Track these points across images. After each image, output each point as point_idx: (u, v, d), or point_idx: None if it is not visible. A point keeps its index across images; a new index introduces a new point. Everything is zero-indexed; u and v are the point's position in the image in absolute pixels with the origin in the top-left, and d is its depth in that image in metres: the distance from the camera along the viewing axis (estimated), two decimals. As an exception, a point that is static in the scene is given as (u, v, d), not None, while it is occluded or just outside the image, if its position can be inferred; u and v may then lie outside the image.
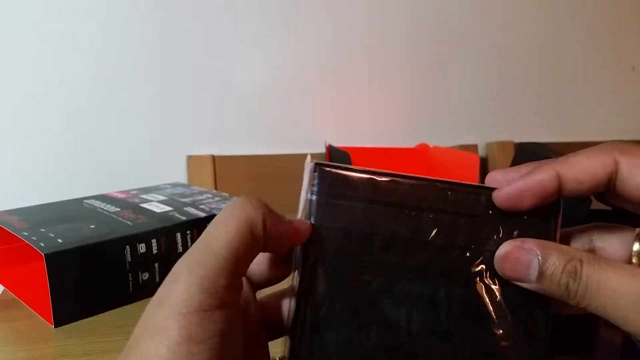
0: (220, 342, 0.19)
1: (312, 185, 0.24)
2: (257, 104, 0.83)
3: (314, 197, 0.24)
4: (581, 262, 0.22)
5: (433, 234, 0.23)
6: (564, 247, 0.23)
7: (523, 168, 0.24)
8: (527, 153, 0.72)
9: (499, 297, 0.23)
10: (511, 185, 0.23)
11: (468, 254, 0.23)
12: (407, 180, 0.24)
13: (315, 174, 0.24)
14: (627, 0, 1.02)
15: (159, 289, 0.20)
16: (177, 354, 0.18)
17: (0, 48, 0.71)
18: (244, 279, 0.23)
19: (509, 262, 0.23)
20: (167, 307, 0.19)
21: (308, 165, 0.24)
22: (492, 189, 0.23)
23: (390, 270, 0.23)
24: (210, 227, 0.21)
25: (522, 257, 0.22)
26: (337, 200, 0.23)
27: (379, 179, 0.23)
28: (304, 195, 0.24)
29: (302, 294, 0.23)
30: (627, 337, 0.38)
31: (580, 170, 0.22)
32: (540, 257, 0.22)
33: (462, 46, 0.92)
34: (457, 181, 0.24)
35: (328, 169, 0.24)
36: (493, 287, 0.23)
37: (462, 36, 0.92)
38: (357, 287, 0.23)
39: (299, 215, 0.24)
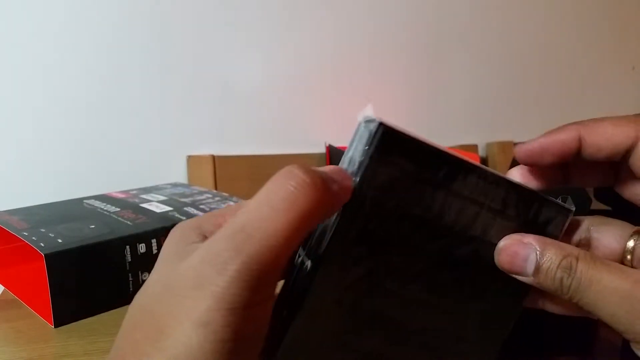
0: (259, 338, 0.19)
1: (368, 145, 0.20)
2: (257, 104, 0.83)
3: (366, 160, 0.20)
4: (577, 258, 0.22)
5: (473, 229, 0.23)
6: (562, 244, 0.23)
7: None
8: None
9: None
10: (533, 141, 0.23)
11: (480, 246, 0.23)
12: (483, 173, 0.22)
13: (376, 135, 0.20)
14: (627, 1, 1.02)
15: (194, 262, 0.18)
16: (222, 352, 0.17)
17: (1, 48, 0.71)
18: None
19: (507, 255, 0.23)
20: (212, 299, 0.17)
21: (366, 120, 0.21)
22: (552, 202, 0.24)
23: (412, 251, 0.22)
24: (265, 211, 0.18)
25: (521, 251, 0.23)
26: (395, 171, 0.21)
27: (453, 162, 0.21)
28: (351, 153, 0.21)
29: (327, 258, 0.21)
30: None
31: (603, 138, 0.23)
32: (538, 252, 0.22)
33: (462, 46, 0.92)
34: (529, 188, 0.24)
35: (394, 132, 0.20)
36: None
37: (462, 36, 0.92)
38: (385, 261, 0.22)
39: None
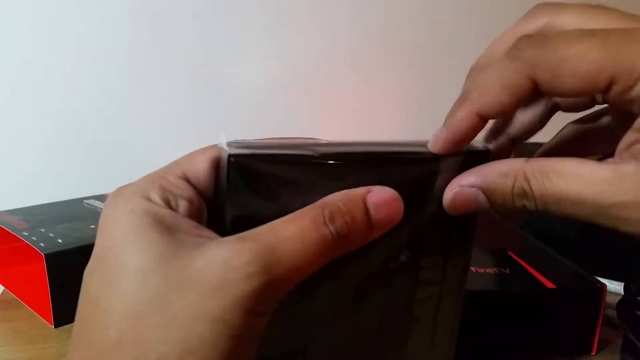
0: (259, 339, 0.20)
1: (227, 178, 0.21)
2: (257, 104, 0.83)
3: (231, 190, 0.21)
4: (527, 179, 0.20)
5: None
6: (503, 165, 0.21)
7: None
8: (527, 153, 0.72)
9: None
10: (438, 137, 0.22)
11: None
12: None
13: (230, 167, 0.21)
14: (627, 0, 1.02)
15: (214, 263, 0.18)
16: (233, 348, 0.18)
17: (0, 48, 0.71)
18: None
19: (458, 207, 0.22)
20: (234, 300, 0.18)
21: (224, 149, 0.21)
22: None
23: None
24: (298, 247, 0.19)
25: (468, 197, 0.22)
26: (261, 187, 0.21)
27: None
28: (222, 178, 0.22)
29: None
30: (626, 336, 0.38)
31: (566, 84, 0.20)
32: (482, 193, 0.21)
33: (461, 45, 0.92)
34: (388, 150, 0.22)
35: (244, 157, 0.21)
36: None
37: (462, 35, 0.92)
38: None
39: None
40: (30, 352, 0.40)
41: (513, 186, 0.21)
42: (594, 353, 0.39)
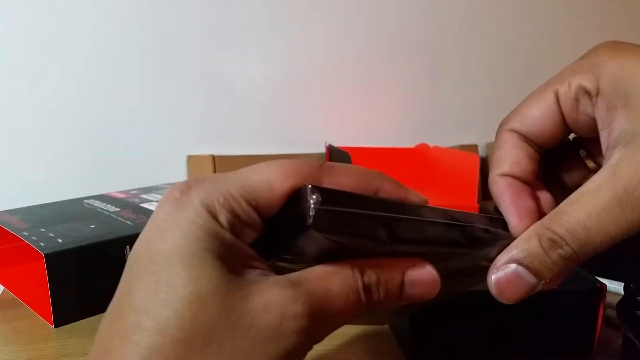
0: None
1: (302, 223, 0.18)
2: (257, 104, 0.83)
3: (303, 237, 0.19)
4: (546, 227, 0.22)
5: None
6: (524, 233, 0.23)
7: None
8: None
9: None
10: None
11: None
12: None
13: (312, 214, 0.18)
14: (627, 0, 1.02)
15: (270, 306, 0.18)
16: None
17: (1, 48, 0.71)
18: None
19: (505, 290, 0.23)
20: (280, 349, 0.18)
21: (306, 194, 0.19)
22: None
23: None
24: (332, 307, 0.20)
25: (508, 274, 0.22)
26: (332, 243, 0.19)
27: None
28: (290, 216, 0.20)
29: None
30: (626, 336, 0.38)
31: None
32: (520, 265, 0.22)
33: (462, 45, 0.92)
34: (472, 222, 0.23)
35: (329, 211, 0.18)
36: None
37: (462, 35, 0.92)
38: None
39: None
40: (30, 352, 0.40)
41: (540, 240, 0.22)
42: (594, 353, 0.39)
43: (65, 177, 0.75)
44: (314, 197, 0.18)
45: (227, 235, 0.19)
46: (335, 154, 0.81)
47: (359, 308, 0.20)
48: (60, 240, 0.44)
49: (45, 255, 0.41)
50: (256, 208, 0.20)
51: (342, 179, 0.21)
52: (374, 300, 0.21)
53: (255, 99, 0.83)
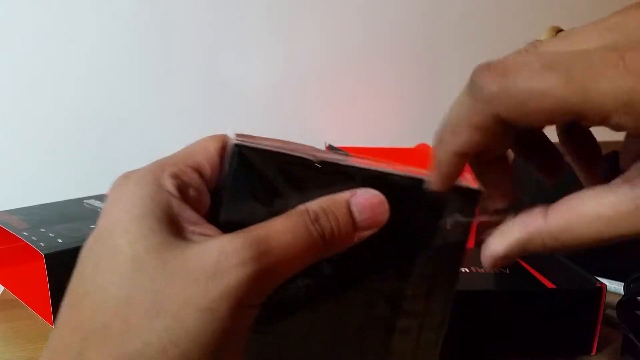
0: (244, 339, 0.19)
1: (230, 163, 0.22)
2: (257, 104, 0.83)
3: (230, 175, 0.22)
4: (552, 236, 0.20)
5: None
6: (524, 227, 0.21)
7: None
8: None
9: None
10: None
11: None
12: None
13: (234, 153, 0.22)
14: (627, 1, 1.02)
15: (209, 251, 0.18)
16: (217, 341, 0.18)
17: (1, 48, 0.71)
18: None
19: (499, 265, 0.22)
20: (225, 289, 0.18)
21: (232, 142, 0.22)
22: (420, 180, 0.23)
23: None
24: (289, 240, 0.20)
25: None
26: (257, 179, 0.22)
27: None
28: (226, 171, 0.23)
29: None
30: (626, 336, 0.38)
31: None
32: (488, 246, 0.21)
33: (462, 45, 0.92)
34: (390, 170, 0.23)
35: (248, 148, 0.22)
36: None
37: (462, 36, 0.92)
38: None
39: None
40: (30, 352, 0.40)
41: (544, 244, 0.20)
42: (594, 353, 0.39)
43: (65, 177, 0.75)
44: (238, 137, 0.22)
45: (171, 198, 0.20)
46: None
47: (312, 242, 0.20)
48: (60, 240, 0.44)
49: (45, 255, 0.41)
50: (197, 168, 0.22)
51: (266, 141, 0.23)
52: (328, 231, 0.20)
53: (255, 99, 0.83)
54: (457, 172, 0.22)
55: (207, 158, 0.22)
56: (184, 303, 0.18)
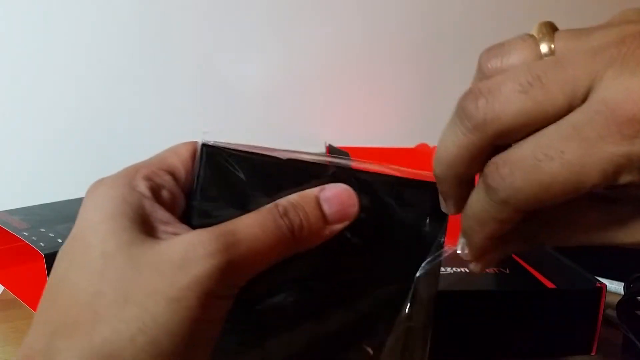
0: (215, 332, 0.20)
1: (199, 164, 0.22)
2: (257, 104, 0.83)
3: (199, 176, 0.22)
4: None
5: None
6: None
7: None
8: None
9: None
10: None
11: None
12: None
13: (202, 154, 0.22)
14: (627, 1, 1.02)
15: (178, 244, 0.19)
16: (186, 332, 0.18)
17: (1, 48, 0.71)
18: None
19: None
20: (193, 279, 0.18)
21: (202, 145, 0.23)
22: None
23: None
24: (257, 233, 0.20)
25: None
26: (224, 182, 0.22)
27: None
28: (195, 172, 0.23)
29: None
30: (626, 336, 0.38)
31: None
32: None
33: (462, 45, 0.92)
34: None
35: (216, 149, 0.22)
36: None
37: (461, 36, 0.92)
38: None
39: None
40: (30, 352, 0.40)
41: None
42: (594, 353, 0.39)
43: (65, 177, 0.75)
44: (206, 139, 0.23)
45: (146, 202, 0.21)
46: (335, 154, 0.81)
47: (281, 235, 0.20)
48: (60, 240, 0.44)
49: (45, 255, 0.41)
50: (170, 171, 0.23)
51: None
52: (297, 224, 0.21)
53: (255, 99, 0.83)
54: (491, 247, 0.22)
55: (181, 162, 0.23)
56: (152, 293, 0.18)
